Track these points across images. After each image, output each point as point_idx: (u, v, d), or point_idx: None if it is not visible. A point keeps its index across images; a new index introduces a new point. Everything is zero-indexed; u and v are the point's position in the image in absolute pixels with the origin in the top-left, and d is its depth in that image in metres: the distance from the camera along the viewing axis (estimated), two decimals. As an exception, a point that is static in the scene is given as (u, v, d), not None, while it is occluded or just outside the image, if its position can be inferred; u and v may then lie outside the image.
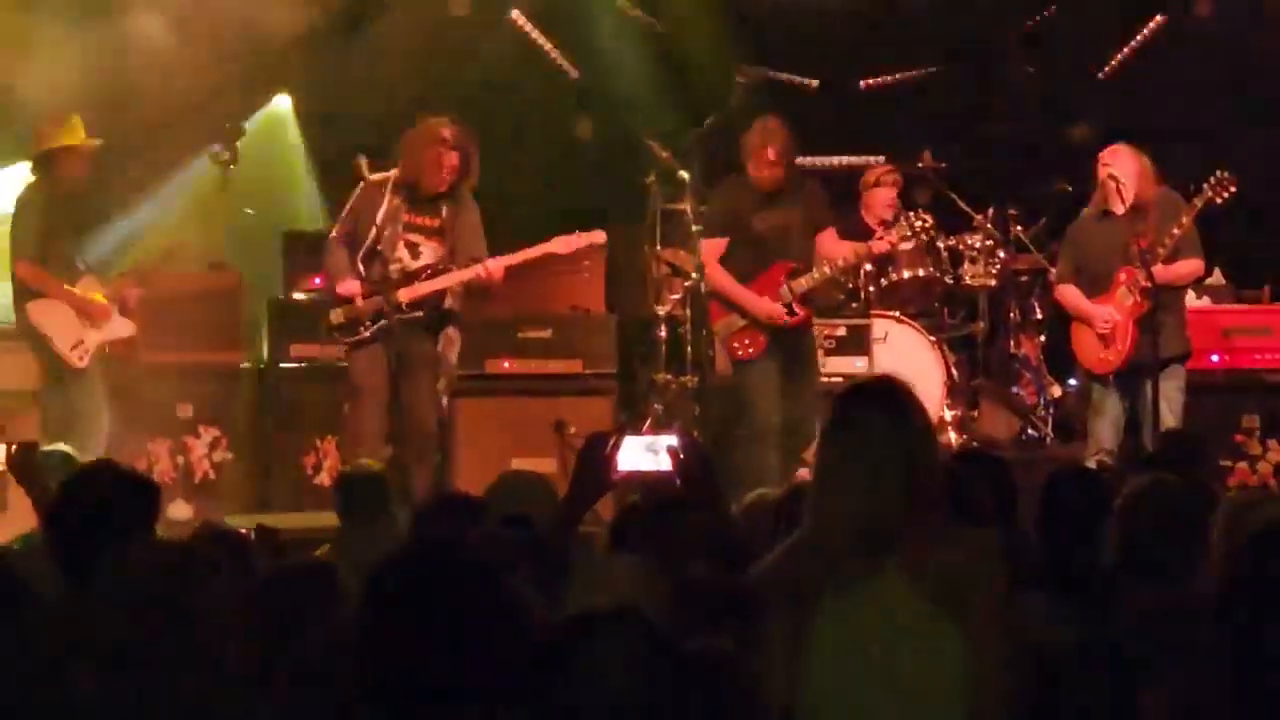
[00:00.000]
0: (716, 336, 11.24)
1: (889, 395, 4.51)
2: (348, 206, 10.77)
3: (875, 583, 4.32)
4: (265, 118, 14.33)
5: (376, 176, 10.73)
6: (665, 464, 5.14)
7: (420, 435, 10.50)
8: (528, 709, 3.61)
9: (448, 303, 10.62)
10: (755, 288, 11.04)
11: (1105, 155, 10.88)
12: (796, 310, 11.02)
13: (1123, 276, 10.70)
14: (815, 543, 4.43)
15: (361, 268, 10.55)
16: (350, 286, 10.53)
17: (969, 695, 4.26)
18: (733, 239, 11.11)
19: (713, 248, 11.11)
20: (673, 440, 5.12)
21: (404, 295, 10.46)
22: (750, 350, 11.03)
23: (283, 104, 14.53)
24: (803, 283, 11.02)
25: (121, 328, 11.17)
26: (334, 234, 10.77)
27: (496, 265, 10.47)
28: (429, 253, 10.55)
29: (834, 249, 11.24)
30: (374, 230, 10.49)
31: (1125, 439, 10.74)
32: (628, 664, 3.57)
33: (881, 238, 11.51)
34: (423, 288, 10.48)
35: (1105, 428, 10.79)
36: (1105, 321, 10.70)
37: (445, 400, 10.97)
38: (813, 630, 4.33)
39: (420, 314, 10.51)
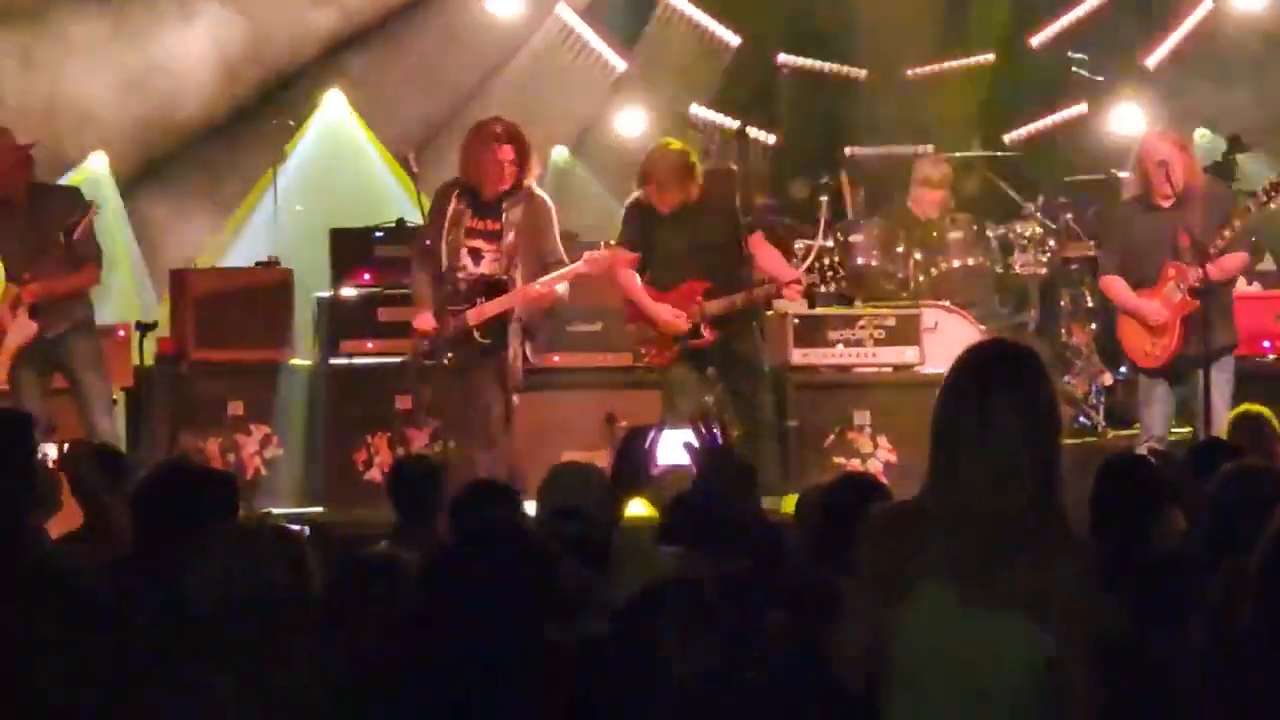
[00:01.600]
0: (630, 338, 11.17)
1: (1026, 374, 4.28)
2: (427, 217, 10.80)
3: (970, 582, 4.24)
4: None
5: (445, 184, 10.80)
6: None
7: (482, 425, 10.56)
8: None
9: (516, 314, 10.63)
10: (670, 299, 10.84)
11: (1153, 142, 10.76)
12: (704, 333, 10.83)
13: (1171, 272, 10.54)
14: (931, 527, 4.27)
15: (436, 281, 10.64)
16: (425, 321, 10.61)
17: (1048, 696, 4.22)
18: (645, 255, 10.91)
19: (624, 257, 10.90)
20: (691, 435, 5.06)
21: (473, 319, 10.53)
22: (658, 359, 10.95)
23: (335, 99, 14.62)
24: (714, 306, 10.76)
25: (19, 333, 10.80)
26: (416, 249, 10.84)
27: (529, 292, 10.50)
28: (490, 257, 10.59)
29: (764, 257, 10.95)
30: (442, 239, 10.57)
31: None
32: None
33: (798, 280, 11.09)
34: (489, 309, 10.53)
35: (1155, 417, 10.70)
36: (1156, 316, 10.59)
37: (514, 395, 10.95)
38: (900, 622, 4.25)
39: (490, 341, 10.54)
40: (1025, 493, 4.20)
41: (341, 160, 14.72)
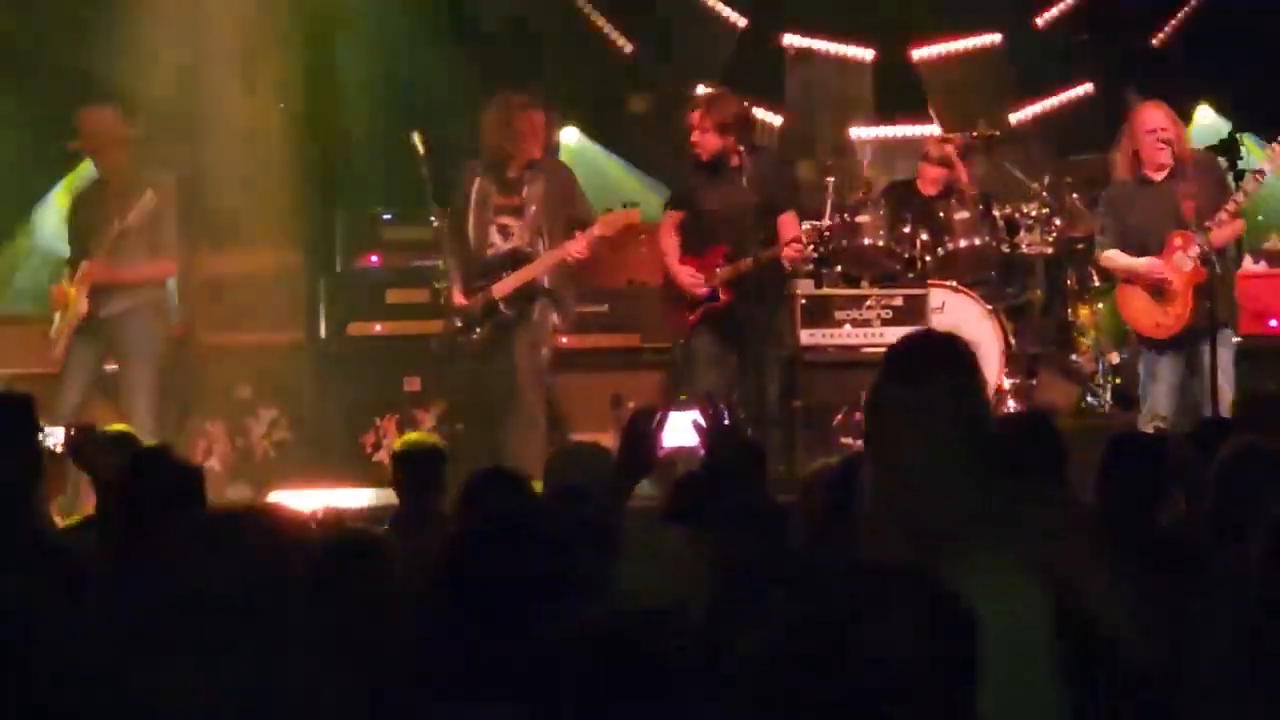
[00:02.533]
0: (660, 300, 11.31)
1: (953, 350, 4.43)
2: (454, 199, 10.95)
3: (959, 548, 4.29)
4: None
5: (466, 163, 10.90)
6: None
7: (522, 403, 10.65)
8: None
9: (545, 283, 10.72)
10: (695, 264, 11.00)
11: (1147, 112, 10.75)
12: (720, 295, 10.95)
13: (1177, 241, 10.55)
14: (887, 514, 4.33)
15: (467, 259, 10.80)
16: (456, 295, 10.78)
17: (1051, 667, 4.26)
18: (685, 215, 11.09)
19: (670, 217, 11.14)
20: (697, 415, 5.08)
21: (498, 293, 10.65)
22: (679, 326, 11.05)
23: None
24: (724, 271, 10.91)
25: (75, 313, 11.00)
26: (440, 228, 10.94)
27: (558, 256, 10.64)
28: (519, 231, 10.69)
29: (789, 235, 11.10)
30: (469, 220, 10.64)
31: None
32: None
33: (798, 252, 11.21)
34: (510, 282, 10.61)
35: (1161, 394, 10.68)
36: (1161, 271, 10.54)
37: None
38: None
39: (514, 313, 10.67)
40: (967, 459, 4.25)
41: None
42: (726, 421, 5.16)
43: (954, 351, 4.40)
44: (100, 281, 10.87)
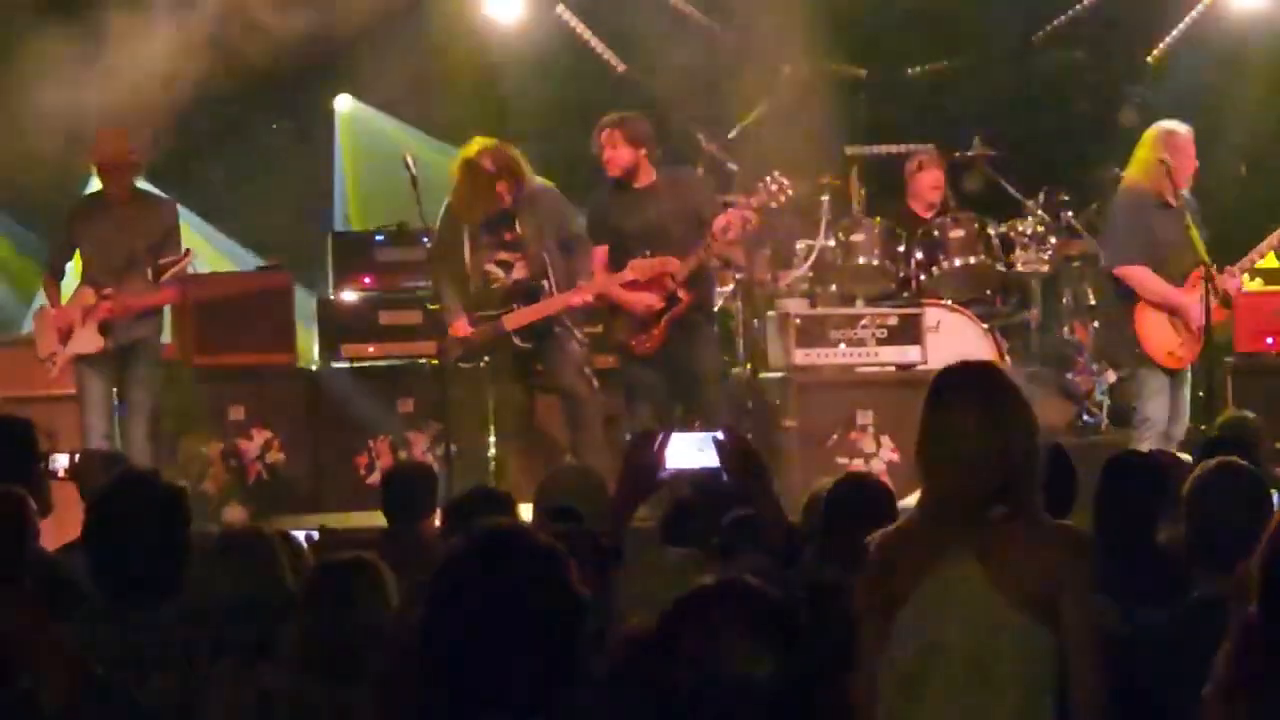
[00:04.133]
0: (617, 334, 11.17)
1: (982, 382, 4.57)
2: (436, 232, 11.00)
3: (960, 576, 4.36)
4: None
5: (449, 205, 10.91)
6: (713, 461, 5.11)
7: (575, 410, 10.77)
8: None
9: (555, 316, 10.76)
10: (643, 284, 10.88)
11: (1184, 136, 10.69)
12: (680, 296, 10.88)
13: (1200, 274, 10.48)
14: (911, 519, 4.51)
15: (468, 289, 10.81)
16: (461, 327, 10.76)
17: (1057, 687, 4.33)
18: (610, 244, 10.98)
19: (599, 254, 11.01)
20: (719, 435, 5.09)
21: (510, 325, 10.69)
22: (650, 342, 10.99)
23: (343, 104, 14.64)
24: (680, 270, 10.80)
25: (85, 343, 10.98)
26: (433, 257, 11.07)
27: (588, 291, 10.70)
28: (519, 265, 10.72)
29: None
30: (465, 258, 10.70)
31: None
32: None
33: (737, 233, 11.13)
34: (525, 315, 10.64)
35: (1159, 409, 10.67)
36: (1196, 317, 10.47)
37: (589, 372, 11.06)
38: (897, 624, 4.40)
39: (530, 345, 10.70)
40: (985, 480, 4.43)
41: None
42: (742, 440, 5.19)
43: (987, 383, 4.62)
44: (118, 314, 10.87)
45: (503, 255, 10.77)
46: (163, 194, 11.63)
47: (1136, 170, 10.80)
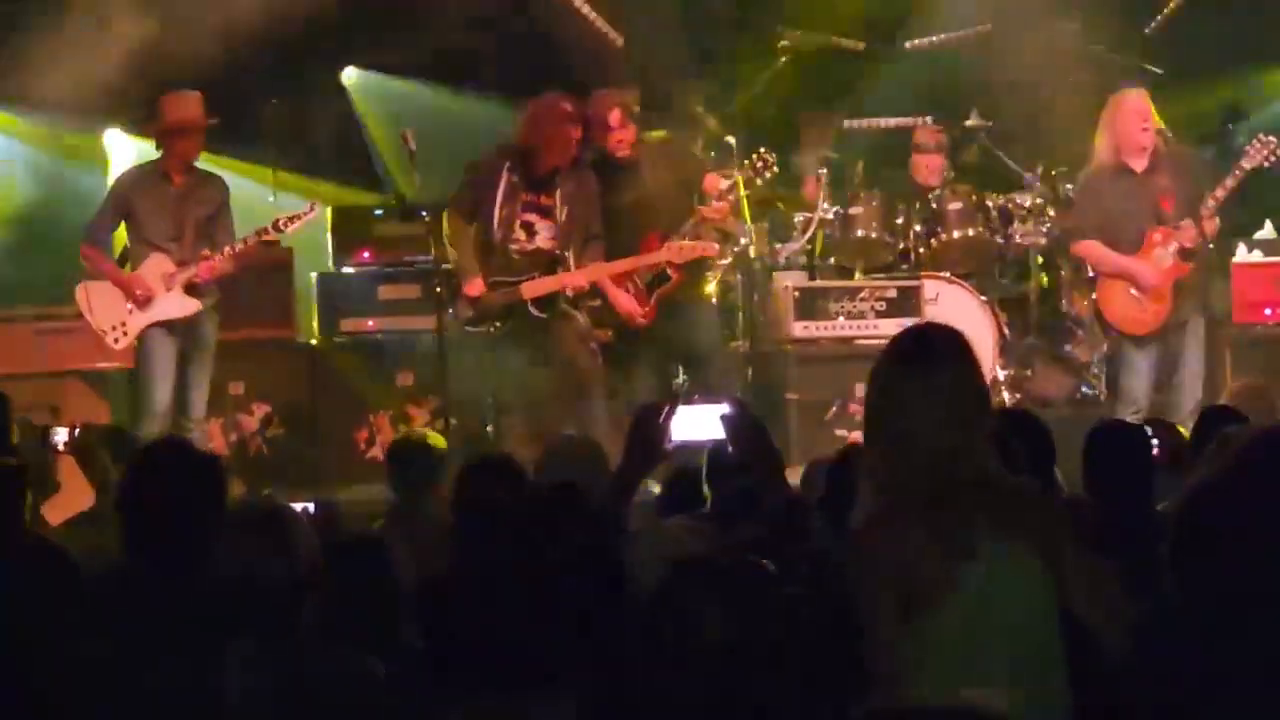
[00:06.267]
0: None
1: (958, 341, 4.59)
2: (464, 183, 10.86)
3: (990, 552, 4.33)
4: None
5: (492, 151, 10.82)
6: (718, 432, 5.12)
7: (592, 397, 10.74)
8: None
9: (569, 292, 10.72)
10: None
11: (1134, 98, 10.71)
12: (671, 275, 10.96)
13: (1157, 237, 10.54)
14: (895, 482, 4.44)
15: (483, 250, 10.70)
16: (475, 287, 10.64)
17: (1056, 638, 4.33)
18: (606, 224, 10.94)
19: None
20: (725, 408, 5.11)
21: (528, 293, 10.59)
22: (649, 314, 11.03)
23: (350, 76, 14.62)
24: (674, 250, 10.86)
25: (175, 307, 10.95)
26: (453, 212, 10.81)
27: (583, 277, 10.66)
28: (544, 232, 10.63)
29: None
30: (495, 212, 10.56)
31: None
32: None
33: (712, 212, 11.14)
34: (545, 285, 10.58)
35: (1139, 385, 10.70)
36: (1149, 278, 10.54)
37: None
38: (936, 612, 4.33)
39: (545, 315, 10.65)
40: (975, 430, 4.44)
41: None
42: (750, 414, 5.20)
43: (957, 340, 4.58)
44: (217, 275, 10.87)
45: (531, 217, 10.66)
46: (214, 172, 11.48)
47: (1095, 142, 10.86)
